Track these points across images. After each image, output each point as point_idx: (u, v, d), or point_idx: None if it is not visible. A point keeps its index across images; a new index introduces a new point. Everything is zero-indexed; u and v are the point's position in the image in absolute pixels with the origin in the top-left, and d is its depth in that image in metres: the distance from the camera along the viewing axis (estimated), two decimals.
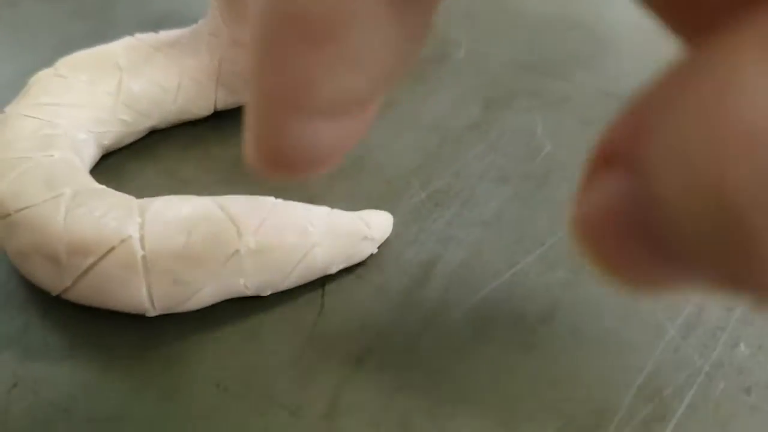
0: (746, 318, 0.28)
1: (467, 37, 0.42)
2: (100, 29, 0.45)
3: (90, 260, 0.26)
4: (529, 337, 0.28)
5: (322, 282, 0.30)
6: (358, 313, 0.29)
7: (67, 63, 0.34)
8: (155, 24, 0.43)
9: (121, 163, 0.35)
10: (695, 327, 0.28)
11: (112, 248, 0.26)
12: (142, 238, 0.26)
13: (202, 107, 0.37)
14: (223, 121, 0.38)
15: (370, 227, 0.30)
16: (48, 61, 0.35)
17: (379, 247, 0.31)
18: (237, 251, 0.27)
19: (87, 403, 0.26)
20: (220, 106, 0.37)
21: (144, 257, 0.26)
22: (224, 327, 0.28)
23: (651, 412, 0.25)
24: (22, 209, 0.27)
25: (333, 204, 0.30)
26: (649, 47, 0.42)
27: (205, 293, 0.27)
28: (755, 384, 0.26)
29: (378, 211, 0.31)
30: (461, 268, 0.30)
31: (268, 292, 0.29)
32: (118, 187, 0.31)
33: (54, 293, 0.28)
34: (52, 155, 0.29)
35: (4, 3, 0.49)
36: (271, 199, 0.29)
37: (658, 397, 0.26)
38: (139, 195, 0.29)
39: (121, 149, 0.36)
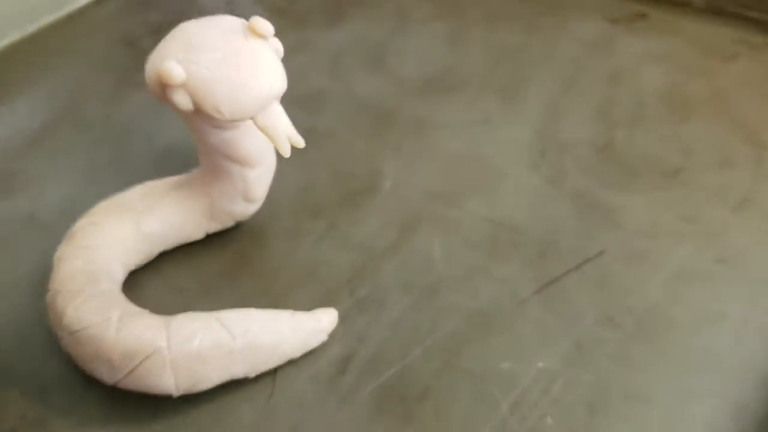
0: None
1: (394, 169, 0.54)
2: (119, 158, 0.58)
3: (135, 362, 0.39)
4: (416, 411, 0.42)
5: (275, 369, 0.43)
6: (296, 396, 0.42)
7: (97, 211, 0.47)
8: (163, 153, 0.57)
9: (137, 278, 0.48)
10: None
11: (149, 355, 0.39)
12: (168, 347, 0.39)
13: (198, 234, 0.50)
14: (212, 241, 0.51)
15: (322, 322, 0.44)
16: (81, 185, 0.51)
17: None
18: (231, 350, 0.40)
19: None
20: (210, 231, 0.51)
21: (171, 359, 0.39)
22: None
23: None
24: (85, 328, 0.41)
25: (291, 305, 0.44)
26: (529, 179, 0.55)
27: (212, 378, 0.41)
28: None
29: (326, 309, 0.45)
30: (370, 363, 0.43)
31: (254, 374, 0.42)
32: (135, 294, 0.44)
33: (109, 384, 0.41)
34: (100, 288, 0.43)
35: (41, 130, 0.62)
36: (253, 309, 0.42)
37: None
38: (148, 300, 0.42)
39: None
